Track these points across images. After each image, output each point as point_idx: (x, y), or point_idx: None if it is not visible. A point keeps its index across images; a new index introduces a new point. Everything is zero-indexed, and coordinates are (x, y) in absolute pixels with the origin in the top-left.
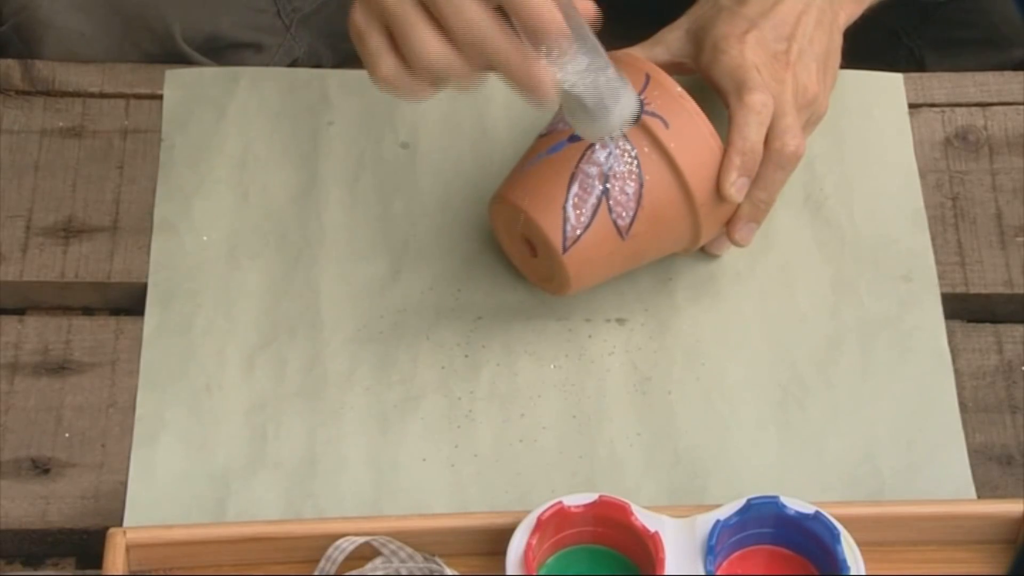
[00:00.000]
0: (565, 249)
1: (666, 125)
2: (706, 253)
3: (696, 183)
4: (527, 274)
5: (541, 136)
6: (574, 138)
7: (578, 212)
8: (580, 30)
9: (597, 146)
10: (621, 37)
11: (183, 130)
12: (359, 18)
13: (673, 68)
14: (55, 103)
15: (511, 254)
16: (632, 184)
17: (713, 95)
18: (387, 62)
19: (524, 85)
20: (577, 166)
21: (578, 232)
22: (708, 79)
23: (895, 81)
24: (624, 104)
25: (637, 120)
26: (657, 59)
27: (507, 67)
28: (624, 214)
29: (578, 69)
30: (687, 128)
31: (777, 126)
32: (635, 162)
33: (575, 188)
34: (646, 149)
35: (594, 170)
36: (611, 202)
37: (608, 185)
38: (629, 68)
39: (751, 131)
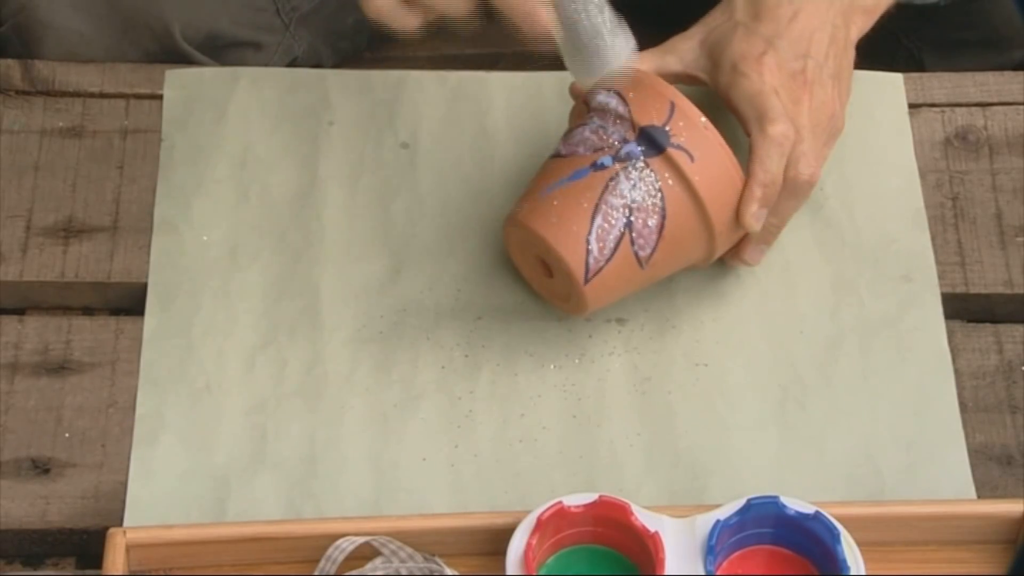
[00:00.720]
0: (586, 281)
1: (691, 159)
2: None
3: (716, 213)
4: (540, 291)
5: (559, 157)
6: (597, 166)
7: (601, 245)
8: None
9: (622, 177)
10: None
11: (183, 130)
12: None
13: (685, 79)
14: (55, 103)
15: (524, 271)
16: (655, 217)
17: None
18: None
19: (523, 22)
20: (601, 197)
21: (600, 265)
22: (726, 101)
23: (895, 81)
24: (619, 47)
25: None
26: (669, 68)
27: (505, 4)
28: (645, 246)
29: (576, 8)
30: (712, 162)
31: (792, 153)
32: (659, 195)
33: (599, 220)
34: (670, 182)
35: (618, 202)
36: (633, 234)
37: (632, 218)
38: (652, 93)
39: (773, 163)
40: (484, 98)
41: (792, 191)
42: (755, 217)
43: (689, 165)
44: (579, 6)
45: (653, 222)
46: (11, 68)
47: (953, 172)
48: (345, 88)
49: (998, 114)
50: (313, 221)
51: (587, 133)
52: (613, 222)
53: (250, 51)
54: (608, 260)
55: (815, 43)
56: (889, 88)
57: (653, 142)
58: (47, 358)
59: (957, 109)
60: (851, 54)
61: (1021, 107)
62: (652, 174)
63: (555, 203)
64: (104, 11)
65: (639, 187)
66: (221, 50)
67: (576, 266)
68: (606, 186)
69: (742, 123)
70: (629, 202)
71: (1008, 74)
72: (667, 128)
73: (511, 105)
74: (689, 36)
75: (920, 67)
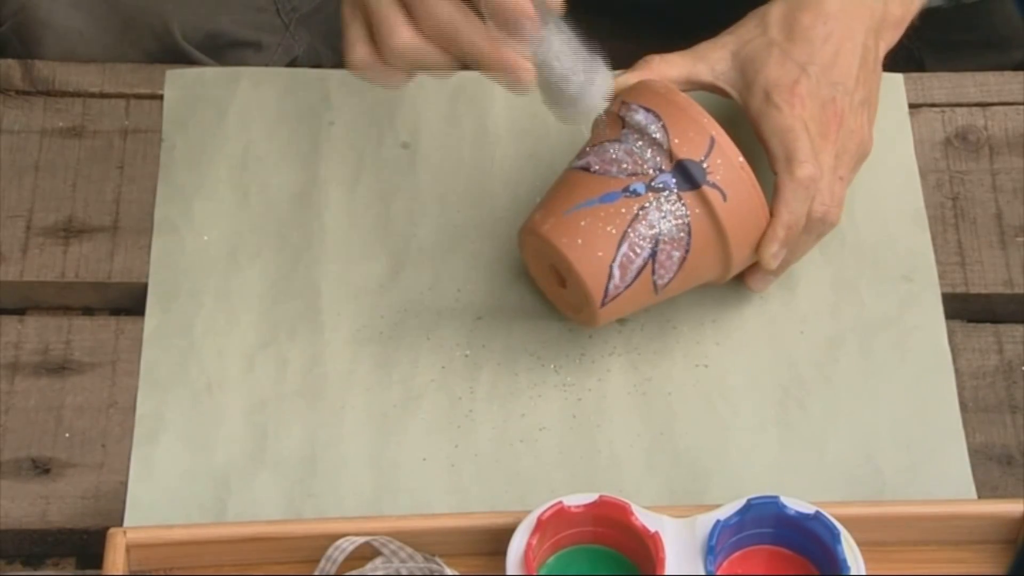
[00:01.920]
0: (603, 305)
1: (724, 198)
2: None
3: (739, 250)
4: (548, 296)
5: (588, 172)
6: (629, 192)
7: (623, 272)
8: (547, 13)
9: (652, 207)
10: (622, 39)
11: (183, 130)
12: (346, 10)
13: (713, 90)
14: (55, 103)
15: (534, 274)
16: (679, 251)
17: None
18: (360, 50)
19: (498, 71)
20: (630, 226)
21: (619, 291)
22: (755, 129)
23: (895, 81)
24: (599, 85)
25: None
26: (699, 78)
27: (479, 56)
28: (665, 275)
29: (550, 51)
30: (744, 203)
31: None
32: (687, 229)
33: (624, 249)
34: (700, 218)
35: (646, 233)
36: (656, 265)
37: (657, 249)
38: (692, 124)
39: (798, 206)
40: (484, 98)
41: (808, 229)
42: (775, 257)
43: (721, 205)
44: (552, 51)
45: (677, 255)
46: (11, 68)
47: (953, 172)
48: (345, 88)
49: (998, 114)
50: (313, 221)
51: (621, 153)
52: (639, 252)
53: (250, 51)
54: (627, 287)
55: (847, 68)
56: (889, 88)
57: (689, 177)
58: (47, 358)
59: (957, 109)
60: (879, 72)
61: (1021, 107)
62: (683, 208)
63: (582, 224)
64: (104, 11)
65: (668, 219)
66: (221, 50)
67: (596, 291)
68: (636, 215)
69: (769, 158)
70: (657, 233)
71: (1008, 74)
72: (705, 164)
73: (511, 105)
74: (721, 45)
75: (920, 67)
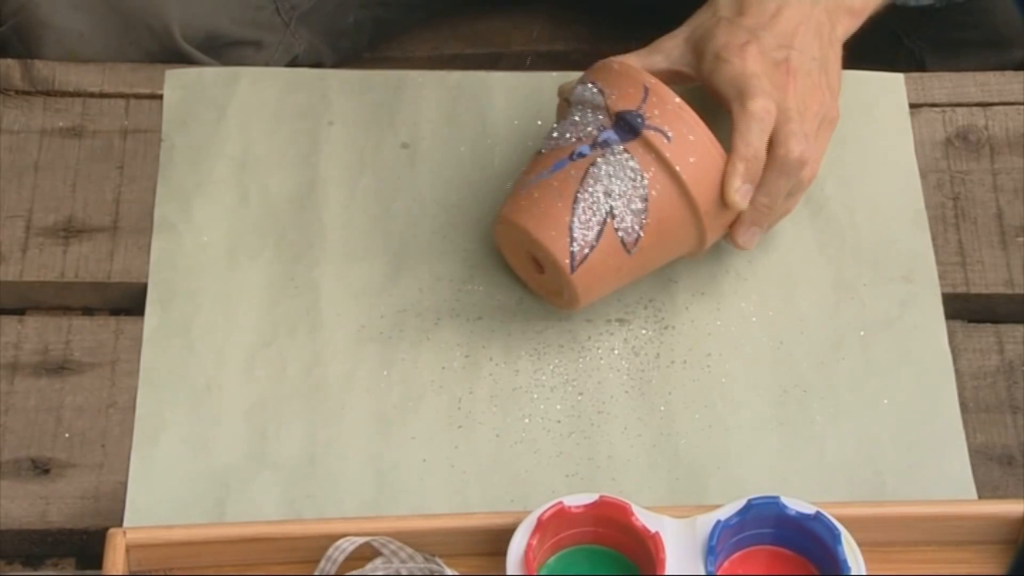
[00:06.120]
0: (573, 269)
1: (667, 138)
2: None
3: (700, 193)
4: (535, 289)
5: (540, 153)
6: (575, 156)
7: (584, 231)
8: None
9: (600, 164)
10: (621, 39)
11: (183, 130)
12: None
13: (672, 76)
14: (55, 103)
15: (518, 270)
16: (637, 201)
17: (713, 105)
18: None
19: None
20: (581, 184)
21: (586, 252)
22: (709, 88)
23: (896, 81)
24: None
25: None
26: (656, 67)
27: None
28: (630, 230)
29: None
30: (689, 139)
31: (780, 131)
32: (639, 178)
33: (580, 207)
34: (650, 165)
35: (598, 189)
36: (616, 219)
37: (613, 203)
38: (627, 80)
39: (753, 137)
40: (484, 98)
41: (782, 169)
42: (739, 193)
43: (665, 145)
44: None
45: (636, 205)
46: (11, 68)
47: (954, 172)
48: (345, 88)
49: (999, 114)
50: (313, 221)
51: (566, 127)
52: (595, 209)
53: (250, 50)
54: (593, 247)
55: (799, 36)
56: (890, 88)
57: (629, 127)
58: (47, 358)
59: (958, 109)
60: (837, 49)
61: (1022, 107)
62: (631, 158)
63: (536, 195)
64: (104, 11)
65: (618, 172)
66: (221, 49)
67: (561, 255)
68: (585, 173)
69: (725, 104)
70: (609, 187)
71: (1009, 74)
72: (641, 111)
73: (511, 105)
74: (674, 35)
75: (921, 67)
